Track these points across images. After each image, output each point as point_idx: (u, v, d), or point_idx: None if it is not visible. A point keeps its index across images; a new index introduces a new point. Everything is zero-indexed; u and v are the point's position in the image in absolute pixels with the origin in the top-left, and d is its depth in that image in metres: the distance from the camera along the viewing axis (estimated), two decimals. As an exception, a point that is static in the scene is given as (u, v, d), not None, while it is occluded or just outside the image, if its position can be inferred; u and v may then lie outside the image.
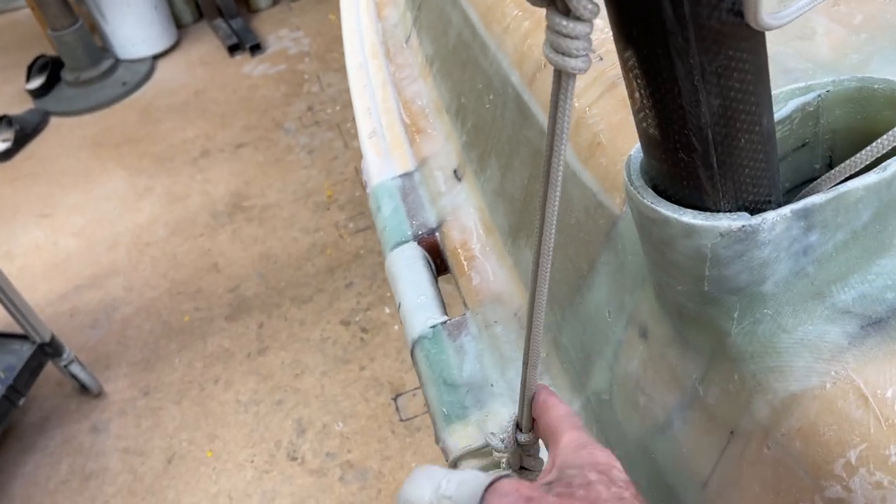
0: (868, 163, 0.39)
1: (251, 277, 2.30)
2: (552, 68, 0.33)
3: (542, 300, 0.43)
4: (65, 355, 1.92)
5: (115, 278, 2.38)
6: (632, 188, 0.41)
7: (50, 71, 3.34)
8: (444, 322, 0.71)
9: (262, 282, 2.28)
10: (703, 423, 0.45)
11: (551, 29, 0.31)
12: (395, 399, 1.87)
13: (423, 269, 0.77)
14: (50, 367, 1.96)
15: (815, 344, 0.39)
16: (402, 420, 1.82)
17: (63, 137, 3.12)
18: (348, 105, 3.01)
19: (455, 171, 0.83)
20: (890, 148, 0.39)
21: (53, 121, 3.23)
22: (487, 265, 0.74)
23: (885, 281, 0.40)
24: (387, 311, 2.11)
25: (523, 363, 0.46)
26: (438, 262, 0.81)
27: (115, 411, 1.99)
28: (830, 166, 0.51)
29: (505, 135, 0.73)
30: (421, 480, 0.38)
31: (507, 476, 0.37)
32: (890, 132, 0.39)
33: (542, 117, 0.67)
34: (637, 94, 0.35)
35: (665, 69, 0.32)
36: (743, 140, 0.36)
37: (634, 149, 0.42)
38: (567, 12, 0.30)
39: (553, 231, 0.38)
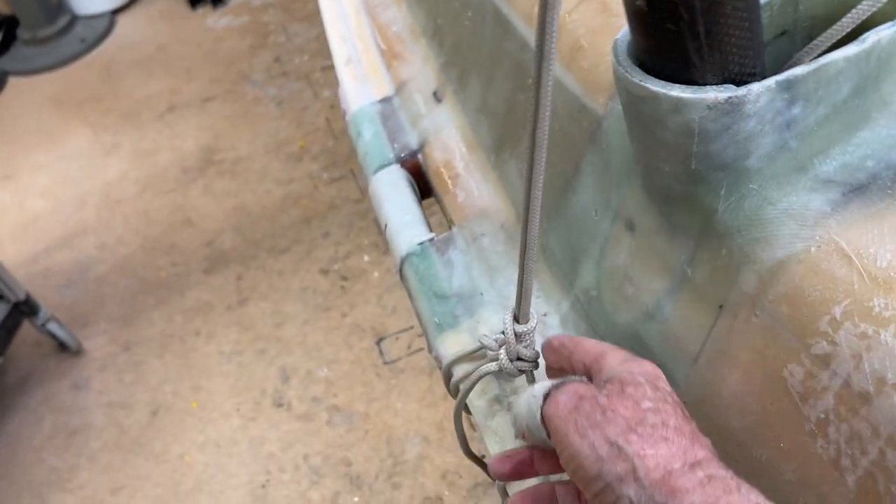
0: (846, 32, 0.40)
1: (226, 231, 2.28)
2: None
3: (538, 182, 0.44)
4: (41, 314, 1.90)
5: (87, 237, 2.35)
6: (620, 69, 0.41)
7: (5, 30, 3.23)
8: (432, 239, 0.71)
9: (237, 235, 2.26)
10: (692, 302, 0.46)
11: None
12: (378, 343, 1.89)
13: (407, 190, 0.77)
14: (27, 328, 1.94)
15: (799, 212, 0.41)
16: (385, 363, 1.84)
17: (23, 97, 3.03)
18: (316, 55, 2.97)
19: (434, 93, 0.83)
20: (868, 16, 0.40)
21: (12, 81, 3.13)
22: (472, 181, 0.74)
23: (865, 151, 0.42)
24: (365, 258, 2.11)
25: (520, 250, 0.47)
26: (422, 186, 0.81)
27: (95, 368, 1.98)
28: (809, 55, 0.52)
29: (485, 50, 0.73)
30: (522, 397, 0.44)
31: (574, 381, 0.41)
32: (862, 4, 0.40)
33: (523, 28, 0.67)
34: (626, -37, 0.36)
35: (654, -70, 0.33)
36: (729, 7, 0.36)
37: (622, 32, 0.43)
38: None
39: (546, 135, 0.38)
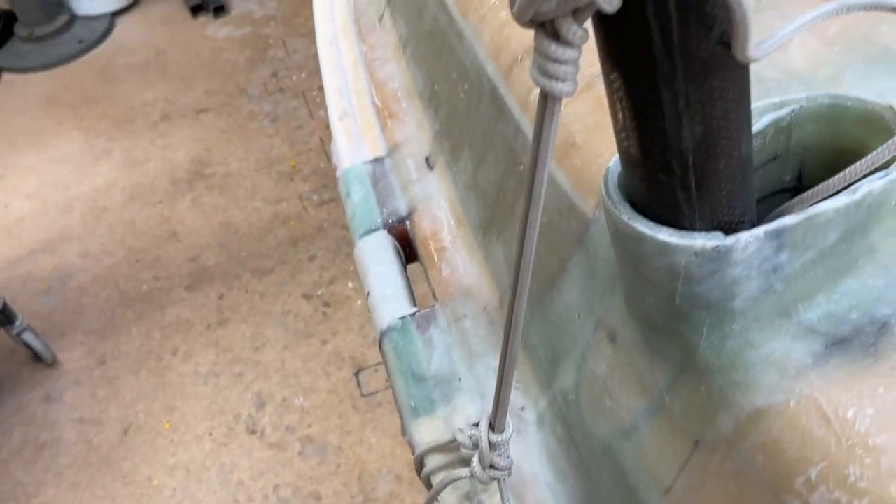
0: (841, 188, 0.40)
1: (211, 247, 2.27)
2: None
3: (522, 302, 0.43)
4: (17, 323, 1.87)
5: (71, 244, 2.32)
6: (609, 202, 0.41)
7: (2, 25, 3.20)
8: (414, 314, 0.71)
9: (222, 252, 2.25)
10: (669, 431, 0.46)
11: (540, 52, 0.31)
12: (356, 374, 1.87)
13: (393, 259, 0.76)
14: (1, 335, 1.91)
15: (781, 361, 0.40)
16: (363, 395, 1.83)
17: (16, 95, 3.01)
18: (314, 73, 2.96)
19: (427, 160, 0.83)
20: (863, 174, 0.40)
21: (6, 77, 3.11)
22: (458, 257, 0.74)
23: (850, 301, 0.41)
24: (350, 285, 2.10)
25: (500, 361, 0.47)
26: (408, 251, 0.81)
27: (69, 380, 1.96)
28: (800, 179, 0.52)
29: (479, 128, 0.73)
30: None
31: None
32: (864, 159, 0.40)
33: (518, 112, 0.67)
34: (620, 116, 0.35)
35: (650, 95, 0.33)
36: (722, 164, 0.36)
37: (613, 161, 0.43)
38: (556, 37, 0.30)
39: (534, 248, 0.38)
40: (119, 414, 1.87)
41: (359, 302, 2.05)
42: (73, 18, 3.29)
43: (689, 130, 0.34)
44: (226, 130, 2.69)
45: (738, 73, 0.33)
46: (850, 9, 0.36)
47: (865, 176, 0.42)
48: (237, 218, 2.35)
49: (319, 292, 2.09)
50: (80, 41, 3.20)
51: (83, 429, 1.85)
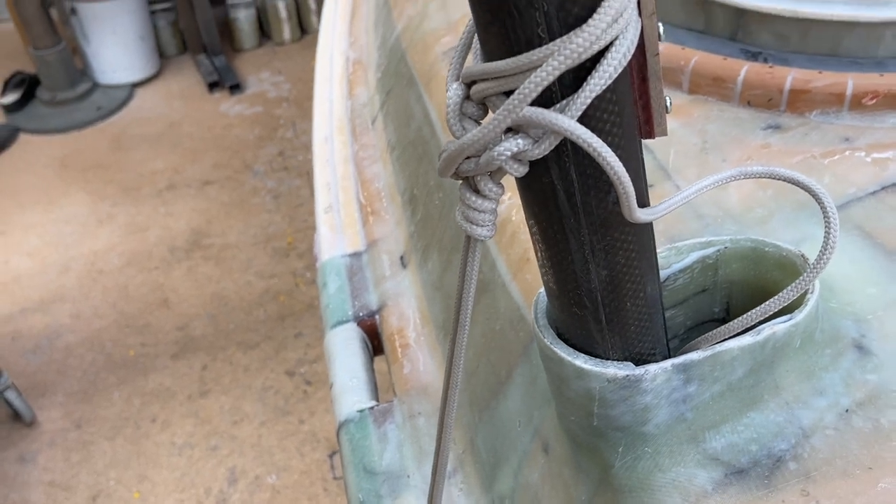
0: (750, 325, 0.44)
1: (200, 317, 2.30)
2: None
3: (447, 440, 0.47)
4: (2, 380, 1.89)
5: (63, 304, 2.36)
6: (536, 328, 0.45)
7: (26, 88, 3.34)
8: (372, 407, 0.74)
9: (211, 323, 2.28)
10: (587, 544, 0.49)
11: (462, 201, 0.35)
12: (330, 456, 1.87)
13: (359, 352, 0.80)
14: (-17, 391, 1.93)
15: (684, 486, 0.43)
16: (335, 478, 1.82)
17: (30, 155, 3.11)
18: (320, 155, 3.07)
19: (401, 258, 0.87)
20: (765, 317, 0.44)
21: (23, 137, 3.21)
22: (420, 355, 0.77)
23: (752, 433, 0.45)
24: (333, 364, 2.12)
25: (431, 474, 0.50)
26: (376, 344, 0.84)
27: (45, 442, 1.95)
28: (728, 310, 0.56)
29: (448, 234, 0.78)
30: None
31: None
32: (772, 299, 0.44)
33: (482, 225, 0.71)
34: (539, 255, 0.40)
35: (560, 242, 0.37)
36: (629, 304, 0.40)
37: (541, 289, 0.47)
38: (476, 191, 0.35)
39: (460, 371, 0.42)
40: (90, 480, 1.86)
41: (341, 382, 2.06)
42: (95, 86, 3.43)
43: (596, 274, 0.38)
44: (228, 204, 2.76)
45: (638, 228, 0.37)
46: (746, 176, 0.41)
47: (775, 315, 0.46)
48: (229, 290, 2.39)
49: (302, 370, 2.11)
50: (99, 108, 3.33)
51: (53, 493, 1.84)
